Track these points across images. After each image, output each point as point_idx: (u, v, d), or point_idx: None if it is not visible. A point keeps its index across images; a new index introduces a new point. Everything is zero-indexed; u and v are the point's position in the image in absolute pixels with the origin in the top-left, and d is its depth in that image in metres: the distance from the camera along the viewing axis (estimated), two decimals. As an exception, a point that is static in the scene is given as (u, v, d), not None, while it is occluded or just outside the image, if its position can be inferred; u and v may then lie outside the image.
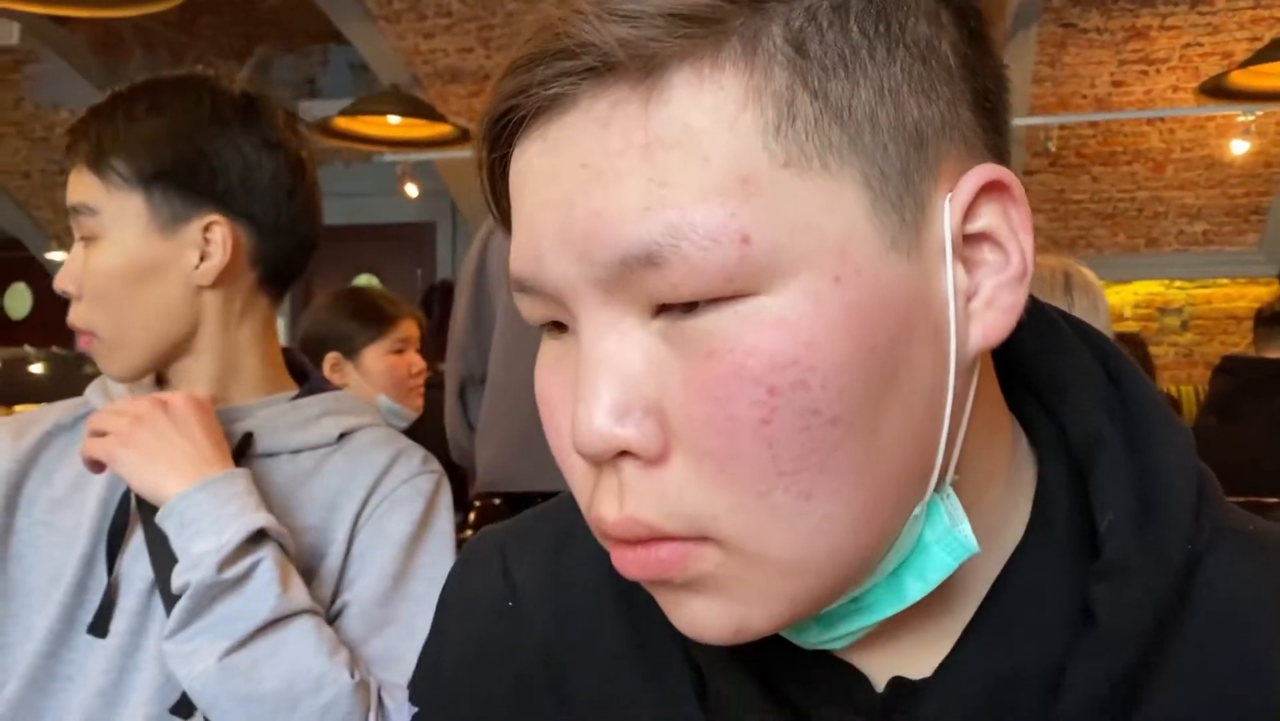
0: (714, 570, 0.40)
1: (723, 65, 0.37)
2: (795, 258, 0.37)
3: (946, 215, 0.40)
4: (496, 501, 1.92)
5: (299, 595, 0.88)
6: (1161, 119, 5.47)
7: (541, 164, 0.40)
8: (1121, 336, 4.88)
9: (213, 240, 0.96)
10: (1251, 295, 5.89)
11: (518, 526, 0.59)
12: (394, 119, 4.59)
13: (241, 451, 0.97)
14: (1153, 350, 5.71)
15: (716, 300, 0.38)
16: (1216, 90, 4.04)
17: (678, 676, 0.48)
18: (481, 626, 0.56)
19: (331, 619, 0.95)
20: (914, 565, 0.42)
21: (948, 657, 0.44)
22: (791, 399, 0.37)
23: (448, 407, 2.00)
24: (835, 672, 0.46)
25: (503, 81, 0.41)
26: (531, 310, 0.43)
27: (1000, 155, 0.43)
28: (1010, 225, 0.41)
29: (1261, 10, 4.87)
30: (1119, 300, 6.19)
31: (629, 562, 0.40)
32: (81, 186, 0.95)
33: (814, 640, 0.45)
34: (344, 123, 4.75)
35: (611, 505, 0.40)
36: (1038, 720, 0.42)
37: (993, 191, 0.41)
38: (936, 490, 0.42)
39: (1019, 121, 5.11)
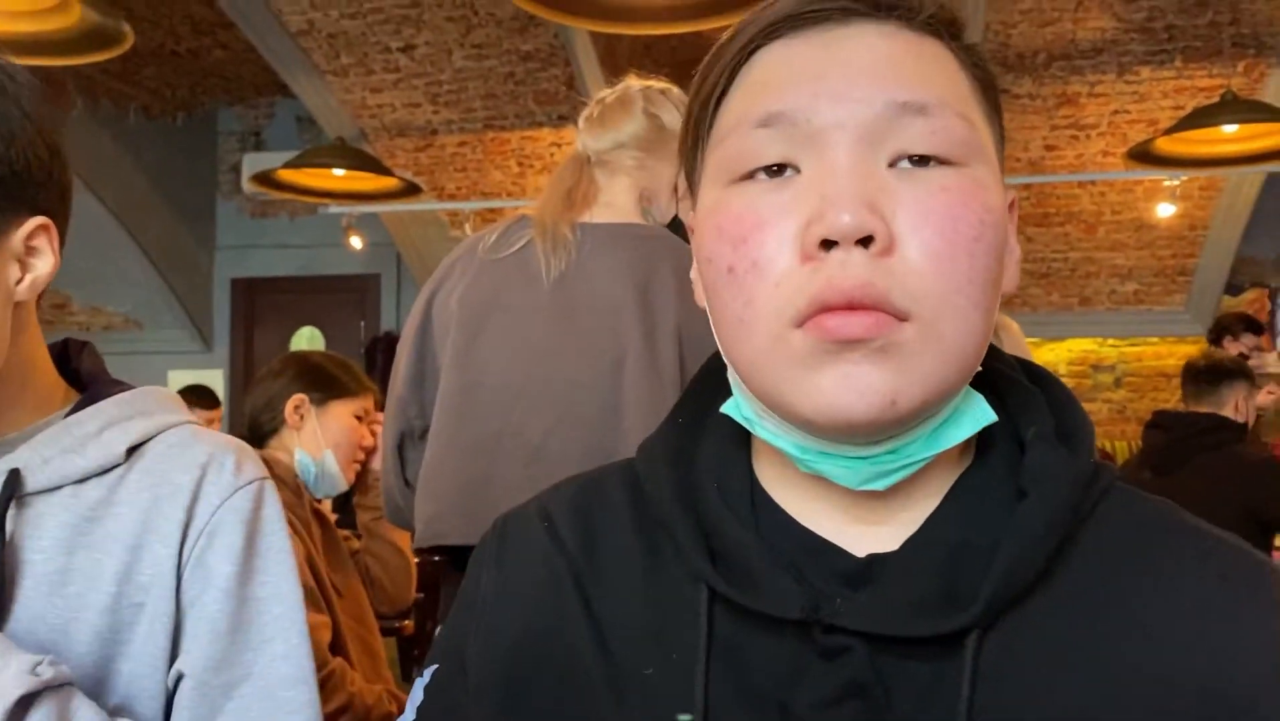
0: (902, 342, 0.53)
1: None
2: (986, 155, 0.58)
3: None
4: (437, 558, 1.90)
5: None
6: (1093, 182, 5.64)
7: (830, 44, 0.57)
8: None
9: (39, 247, 0.82)
10: (1180, 353, 6.05)
11: (551, 491, 0.70)
12: (339, 171, 4.58)
13: (9, 494, 0.79)
14: (1089, 405, 5.83)
15: (944, 161, 0.55)
16: (1144, 155, 4.19)
17: (685, 563, 0.60)
18: (534, 572, 0.64)
19: (172, 689, 0.82)
20: (950, 423, 0.57)
21: (913, 536, 0.58)
22: (987, 232, 0.55)
23: (385, 464, 1.98)
24: (828, 554, 0.58)
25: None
26: (768, 147, 0.56)
27: None
28: (1014, 225, 0.62)
29: (1184, 80, 5.08)
30: (1054, 357, 6.32)
31: (848, 322, 0.53)
32: None
33: (861, 480, 0.57)
34: (289, 175, 4.74)
35: (849, 275, 0.53)
36: (978, 576, 0.54)
37: (1012, 207, 0.62)
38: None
39: (956, 183, 5.24)
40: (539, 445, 1.53)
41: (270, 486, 0.89)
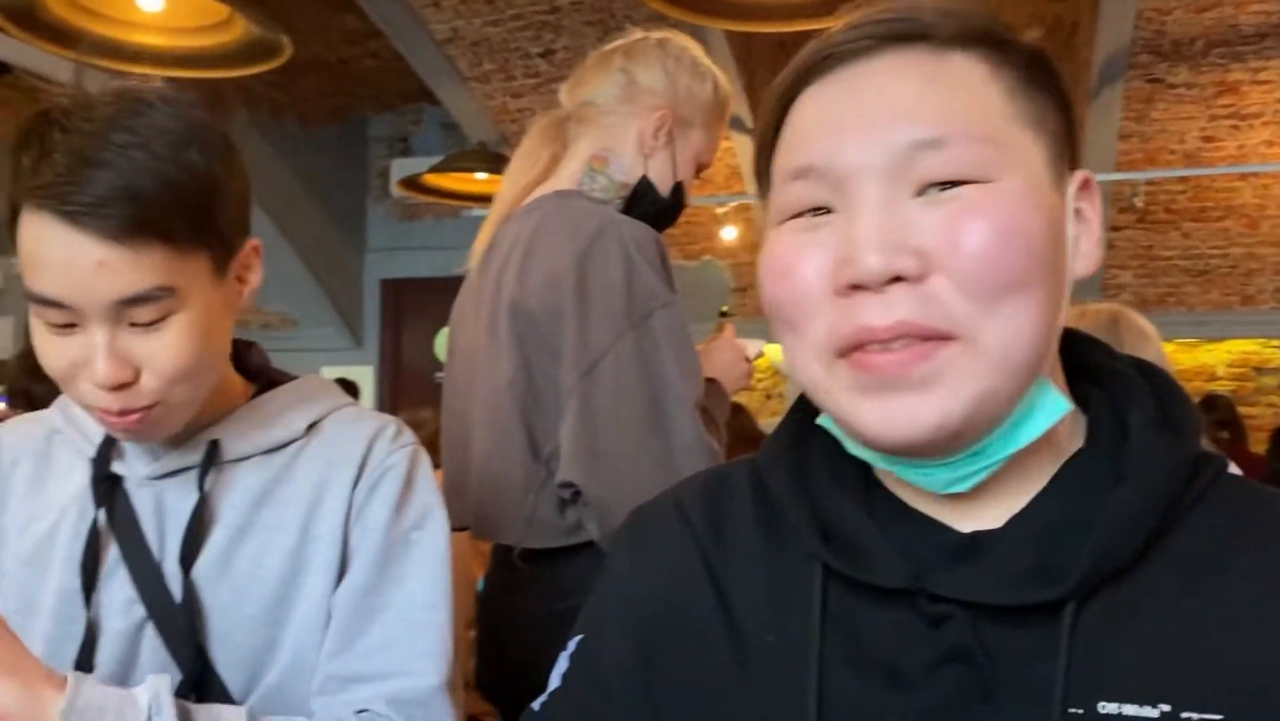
0: (945, 365, 0.55)
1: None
2: (1017, 161, 0.58)
3: (1071, 187, 0.62)
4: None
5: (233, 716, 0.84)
6: (1255, 174, 5.34)
7: (854, 86, 0.60)
8: (1207, 398, 4.74)
9: (252, 264, 0.96)
10: (1355, 355, 5.68)
11: (683, 482, 0.76)
12: (481, 175, 4.73)
13: (209, 460, 0.94)
14: (1250, 410, 5.52)
15: (966, 181, 0.57)
16: (1311, 145, 3.94)
17: (800, 543, 0.64)
18: (663, 559, 0.70)
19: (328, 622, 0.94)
20: (1026, 419, 0.59)
21: (1016, 515, 0.60)
22: (1019, 239, 0.56)
23: None
24: (934, 531, 0.62)
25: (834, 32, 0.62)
26: (804, 194, 0.60)
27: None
28: (1094, 207, 0.63)
29: (1359, 64, 4.76)
30: (1211, 359, 6.01)
31: (886, 361, 0.56)
32: (148, 269, 0.82)
33: (944, 485, 0.60)
34: (435, 179, 4.92)
35: (882, 315, 0.56)
36: (1076, 552, 0.56)
37: (1087, 186, 0.63)
38: (1040, 371, 0.59)
39: (1104, 177, 5.05)
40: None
41: (422, 451, 1.01)
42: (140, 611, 0.91)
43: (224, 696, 0.91)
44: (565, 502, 1.37)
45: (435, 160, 5.05)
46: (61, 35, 2.83)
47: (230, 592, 0.92)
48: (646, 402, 1.32)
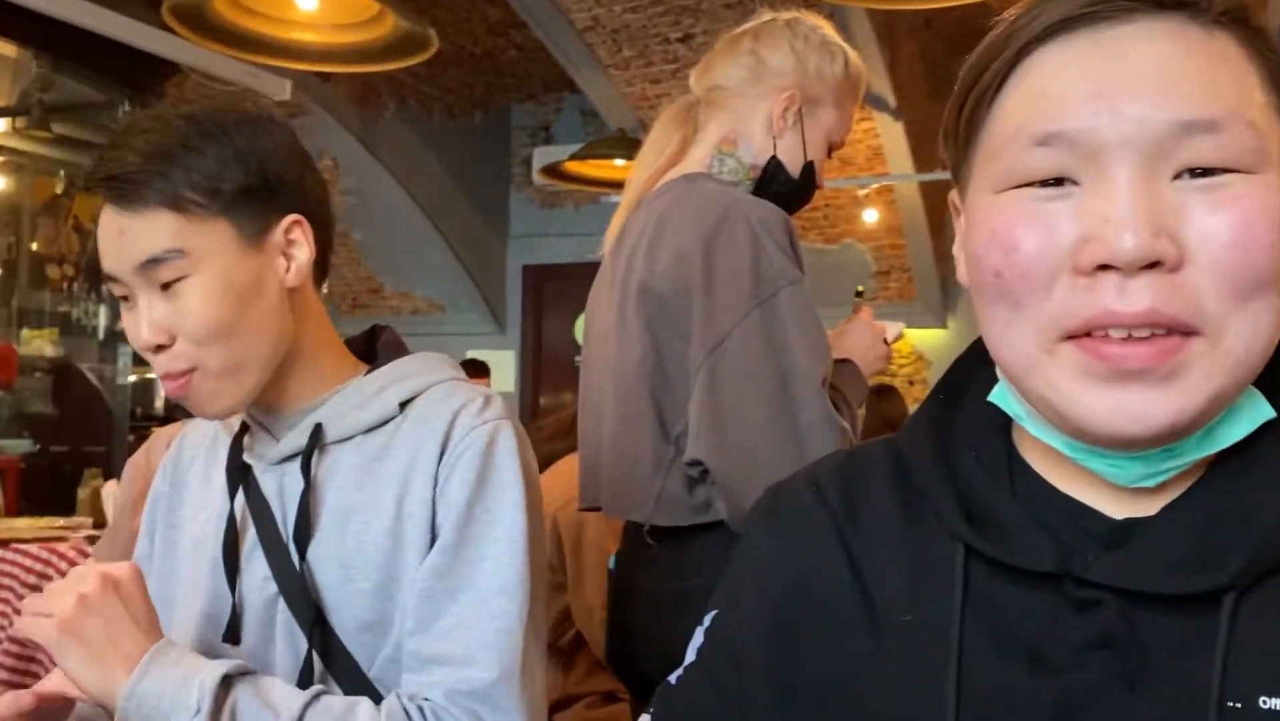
0: (1188, 362, 0.53)
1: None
2: (1273, 158, 0.55)
3: None
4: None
5: (288, 702, 0.89)
6: None
7: (1115, 51, 0.55)
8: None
9: (296, 239, 0.98)
10: None
11: (820, 462, 0.75)
12: (620, 161, 4.77)
13: (313, 443, 0.98)
14: None
15: (1232, 169, 0.53)
16: None
17: (942, 523, 0.62)
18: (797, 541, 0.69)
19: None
20: (1228, 421, 0.57)
21: (1173, 502, 0.58)
22: (1276, 244, 0.53)
23: None
24: (1084, 516, 0.60)
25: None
26: (1045, 162, 0.56)
27: None
28: None
29: None
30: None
31: (1129, 353, 0.53)
32: (157, 233, 0.92)
33: (1132, 479, 0.57)
34: (575, 166, 4.99)
35: (1131, 301, 0.53)
36: (1237, 541, 0.54)
37: None
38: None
39: None
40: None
41: (507, 426, 1.00)
42: (273, 588, 0.98)
43: (350, 666, 0.97)
44: (694, 481, 1.38)
45: (575, 148, 5.12)
46: (227, 35, 2.99)
47: (340, 570, 0.97)
48: (773, 380, 1.32)
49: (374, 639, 0.97)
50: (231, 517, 1.00)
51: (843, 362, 1.49)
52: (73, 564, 2.31)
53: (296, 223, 0.98)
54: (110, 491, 2.77)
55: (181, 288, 0.93)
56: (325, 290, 1.09)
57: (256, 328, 0.95)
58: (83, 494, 3.37)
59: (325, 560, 0.97)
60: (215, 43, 3.08)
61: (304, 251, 0.99)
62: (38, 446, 4.55)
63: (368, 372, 1.04)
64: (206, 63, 4.25)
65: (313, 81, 5.46)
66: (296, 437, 1.00)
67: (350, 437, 0.99)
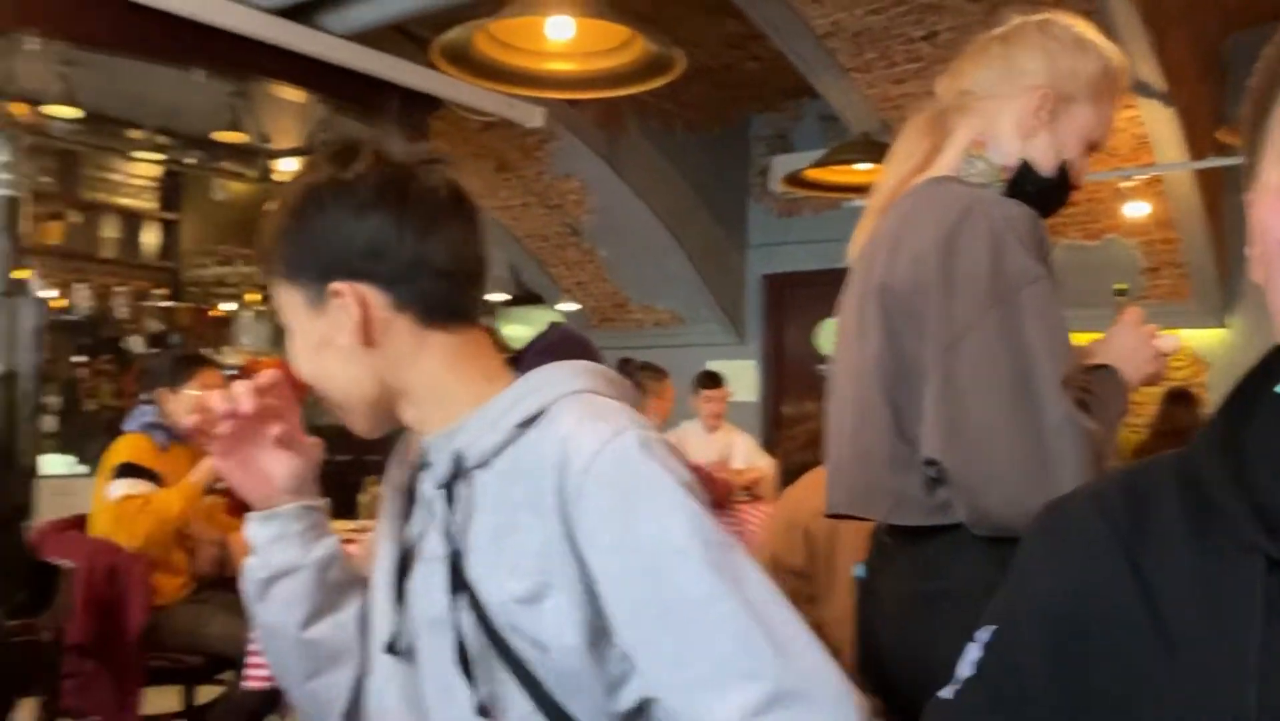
0: None
1: None
2: None
3: None
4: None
5: None
6: None
7: None
8: None
9: (342, 306, 1.02)
10: None
11: (1101, 477, 0.74)
12: (862, 166, 4.71)
13: (456, 472, 1.01)
14: None
15: None
16: None
17: (1238, 536, 0.61)
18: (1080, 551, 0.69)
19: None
20: None
21: None
22: None
23: None
24: None
25: None
26: None
27: None
28: None
29: None
30: None
31: None
32: (279, 300, 1.09)
33: None
34: (815, 173, 4.97)
35: None
36: None
37: None
38: None
39: None
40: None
41: (628, 439, 0.95)
42: (442, 601, 1.00)
43: (522, 671, 0.97)
44: (934, 481, 1.36)
45: (814, 154, 5.10)
46: (487, 70, 3.19)
47: (497, 590, 0.97)
48: (1012, 379, 1.28)
49: (534, 648, 0.97)
50: (400, 543, 1.08)
51: (1101, 368, 1.43)
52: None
53: (336, 292, 1.02)
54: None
55: (290, 334, 1.09)
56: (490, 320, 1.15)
57: (338, 375, 1.06)
58: (363, 499, 3.67)
59: (490, 585, 0.98)
60: (477, 77, 3.28)
61: (348, 315, 1.02)
62: (325, 456, 4.97)
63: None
64: (468, 96, 4.54)
65: (562, 107, 5.71)
66: (442, 464, 1.03)
67: (486, 463, 1.01)
